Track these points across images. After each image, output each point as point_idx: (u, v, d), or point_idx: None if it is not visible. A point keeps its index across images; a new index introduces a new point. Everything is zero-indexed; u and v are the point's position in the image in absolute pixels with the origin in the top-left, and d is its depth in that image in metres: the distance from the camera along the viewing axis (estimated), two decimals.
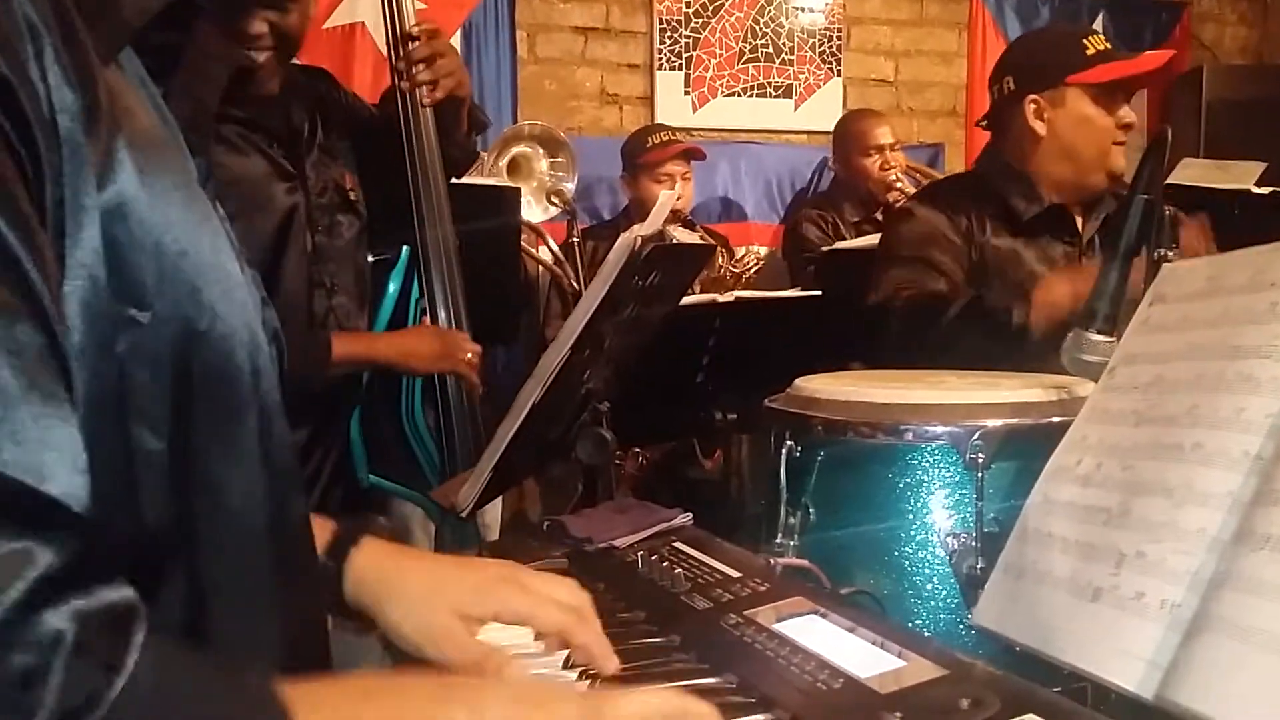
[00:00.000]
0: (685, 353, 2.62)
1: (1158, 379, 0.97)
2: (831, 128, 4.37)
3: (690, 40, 4.32)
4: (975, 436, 1.19)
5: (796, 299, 2.74)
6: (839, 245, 2.99)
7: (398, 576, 0.87)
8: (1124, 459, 0.94)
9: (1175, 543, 0.83)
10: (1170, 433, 0.90)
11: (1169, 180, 3.13)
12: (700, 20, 4.33)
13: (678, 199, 3.39)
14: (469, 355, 1.88)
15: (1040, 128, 1.90)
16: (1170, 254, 1.15)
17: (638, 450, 3.09)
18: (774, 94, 4.45)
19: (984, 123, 2.07)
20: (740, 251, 3.64)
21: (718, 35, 4.35)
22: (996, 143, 2.03)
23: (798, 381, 1.42)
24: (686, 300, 2.67)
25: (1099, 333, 1.21)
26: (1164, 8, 5.04)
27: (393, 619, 0.84)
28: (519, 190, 2.60)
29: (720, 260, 3.39)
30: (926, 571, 1.23)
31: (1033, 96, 1.91)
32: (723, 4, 4.35)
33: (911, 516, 1.24)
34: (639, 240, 1.28)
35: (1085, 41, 1.93)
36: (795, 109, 4.48)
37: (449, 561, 0.93)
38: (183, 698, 0.48)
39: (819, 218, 3.55)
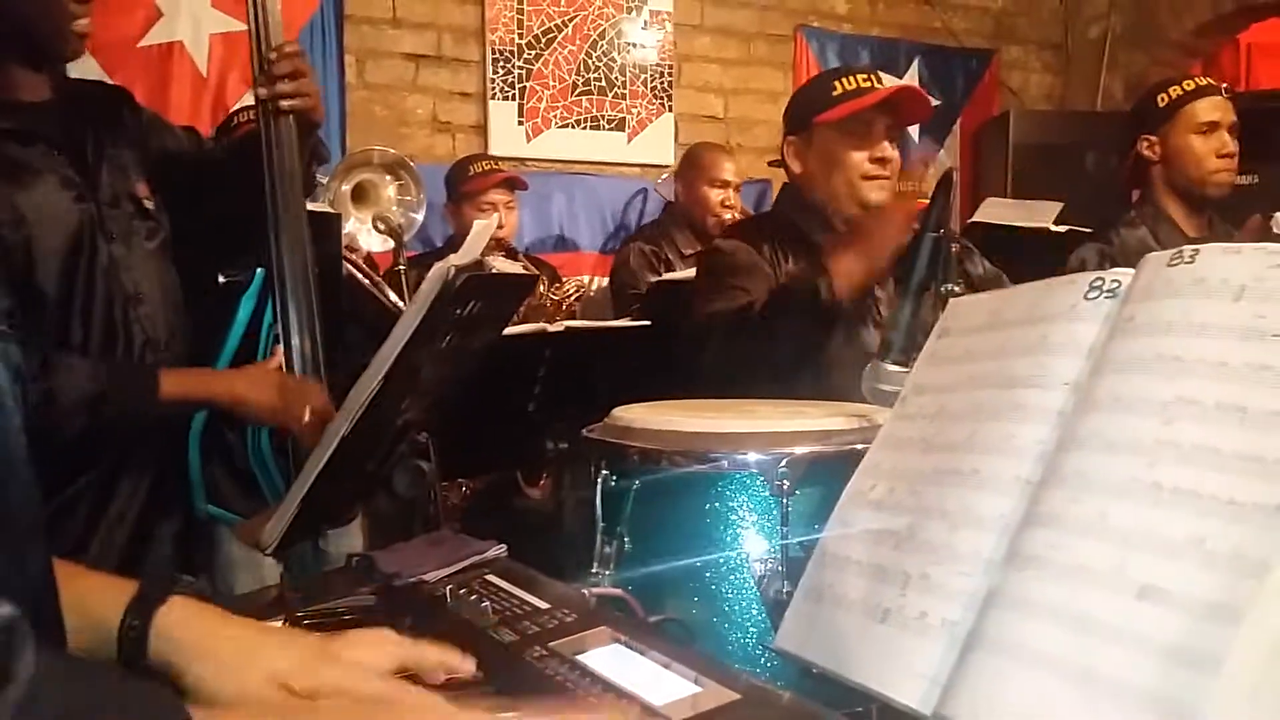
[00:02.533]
0: (516, 382, 2.61)
1: (942, 408, 1.01)
2: (664, 161, 4.47)
3: (523, 71, 4.34)
4: (781, 464, 1.23)
5: (627, 329, 2.77)
6: (666, 276, 3.04)
7: (210, 639, 0.84)
8: (912, 484, 0.98)
9: (954, 564, 0.87)
10: (952, 459, 0.95)
11: (975, 218, 3.31)
12: (533, 52, 4.35)
13: (499, 228, 3.39)
14: (307, 416, 1.75)
15: (797, 166, 1.99)
16: (957, 288, 1.21)
17: (461, 480, 3.06)
18: (607, 127, 4.50)
19: (777, 163, 2.16)
20: (569, 281, 3.65)
21: (551, 67, 4.38)
22: (789, 180, 2.12)
23: (615, 411, 1.43)
24: (515, 329, 2.67)
25: (894, 363, 1.26)
26: (974, 55, 5.33)
27: (204, 681, 0.81)
28: (338, 216, 2.55)
29: (541, 288, 3.40)
30: (736, 597, 1.26)
31: (790, 138, 2.01)
32: (555, 37, 4.38)
33: (722, 543, 1.27)
34: (452, 270, 1.27)
35: (837, 82, 1.98)
36: (628, 142, 4.55)
37: (263, 629, 0.90)
38: (86, 705, 0.45)
39: (650, 254, 3.60)
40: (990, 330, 1.02)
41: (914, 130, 5.21)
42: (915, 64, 5.18)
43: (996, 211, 3.14)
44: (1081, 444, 0.81)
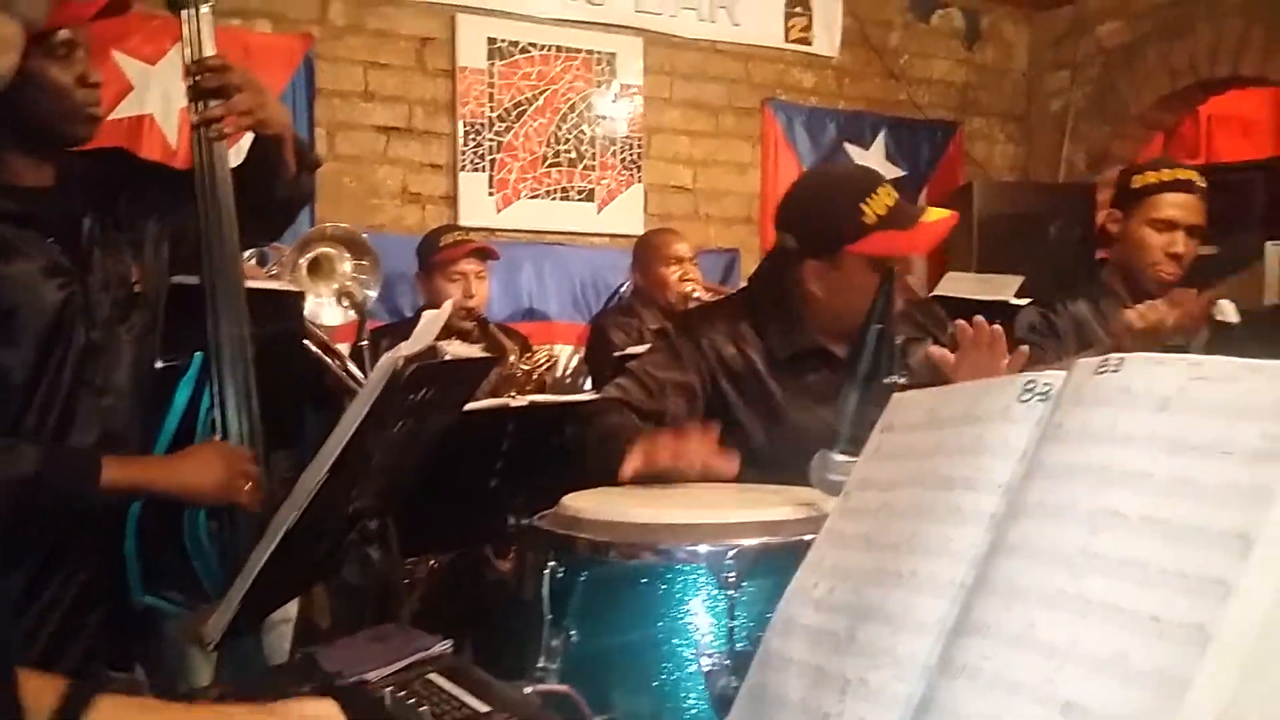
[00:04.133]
0: (478, 458, 2.59)
1: (885, 505, 1.02)
2: (633, 231, 4.50)
3: (494, 143, 4.38)
4: (728, 556, 1.22)
5: (590, 402, 2.77)
6: (629, 350, 3.04)
7: None
8: (854, 583, 0.97)
9: (893, 669, 0.86)
10: (893, 559, 0.94)
11: (936, 292, 3.34)
12: (504, 124, 4.40)
13: (469, 298, 3.40)
14: (248, 485, 1.71)
15: (818, 289, 1.89)
16: (901, 379, 1.22)
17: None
18: (577, 197, 4.54)
19: (767, 263, 2.10)
20: (540, 350, 3.65)
21: (521, 139, 4.42)
22: (772, 275, 2.04)
23: (564, 500, 1.43)
24: (479, 404, 2.67)
25: (842, 453, 1.26)
26: (939, 127, 5.42)
27: None
28: (301, 294, 2.54)
29: (513, 358, 3.40)
30: (684, 693, 1.24)
31: (813, 262, 1.90)
32: (526, 110, 4.43)
33: (669, 636, 1.25)
34: (401, 361, 1.27)
35: (864, 207, 1.84)
36: (598, 212, 4.59)
37: (190, 710, 0.89)
38: None
39: (624, 324, 3.62)
40: (929, 428, 1.02)
41: None
42: (881, 136, 5.27)
43: (957, 285, 3.17)
44: (1012, 551, 0.82)
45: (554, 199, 4.49)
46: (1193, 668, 0.65)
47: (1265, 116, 6.22)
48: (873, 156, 5.26)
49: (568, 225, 4.52)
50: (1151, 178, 2.66)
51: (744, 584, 1.23)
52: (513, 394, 2.96)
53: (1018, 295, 3.26)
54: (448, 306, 1.67)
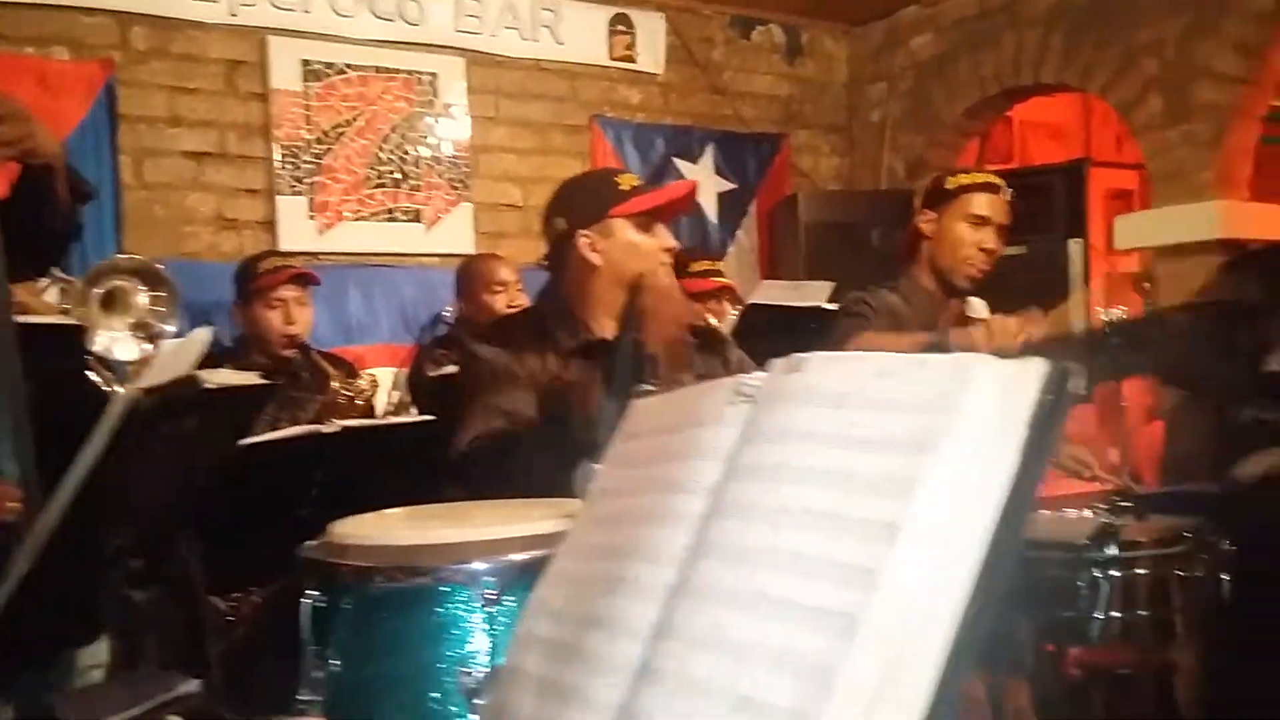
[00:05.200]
0: (289, 487, 2.52)
1: (616, 512, 1.02)
2: (464, 249, 4.47)
3: (313, 166, 4.29)
4: (486, 574, 1.22)
5: (407, 425, 2.73)
6: (445, 370, 3.01)
7: None
8: (584, 592, 0.98)
9: (607, 676, 0.87)
10: (617, 566, 0.95)
11: (750, 300, 3.41)
12: (323, 147, 4.31)
13: (291, 324, 3.31)
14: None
15: (596, 258, 2.03)
16: (651, 387, 1.23)
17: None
18: (404, 218, 4.48)
19: (545, 263, 2.18)
20: (364, 375, 3.57)
21: (341, 161, 4.35)
22: (555, 278, 2.15)
23: (330, 526, 1.40)
24: (286, 432, 2.60)
25: (599, 463, 1.27)
26: (765, 140, 5.55)
27: None
28: (82, 328, 2.44)
29: (335, 384, 3.32)
30: (451, 715, 1.23)
31: (584, 232, 2.04)
32: (345, 131, 4.36)
33: (434, 658, 1.24)
34: (139, 392, 1.23)
35: (618, 179, 2.12)
36: (427, 232, 4.53)
37: None
38: None
39: (440, 357, 3.57)
40: (657, 434, 1.04)
41: (712, 214, 5.38)
42: (709, 150, 5.35)
43: (770, 293, 3.25)
44: (709, 552, 0.83)
45: (379, 220, 4.42)
46: (841, 656, 0.67)
47: (1074, 121, 6.56)
48: (702, 170, 5.34)
49: (395, 246, 4.46)
50: (964, 179, 2.84)
51: (507, 599, 1.22)
52: (330, 420, 2.90)
53: (830, 300, 3.35)
54: (202, 334, 1.62)
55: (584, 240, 2.03)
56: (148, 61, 4.05)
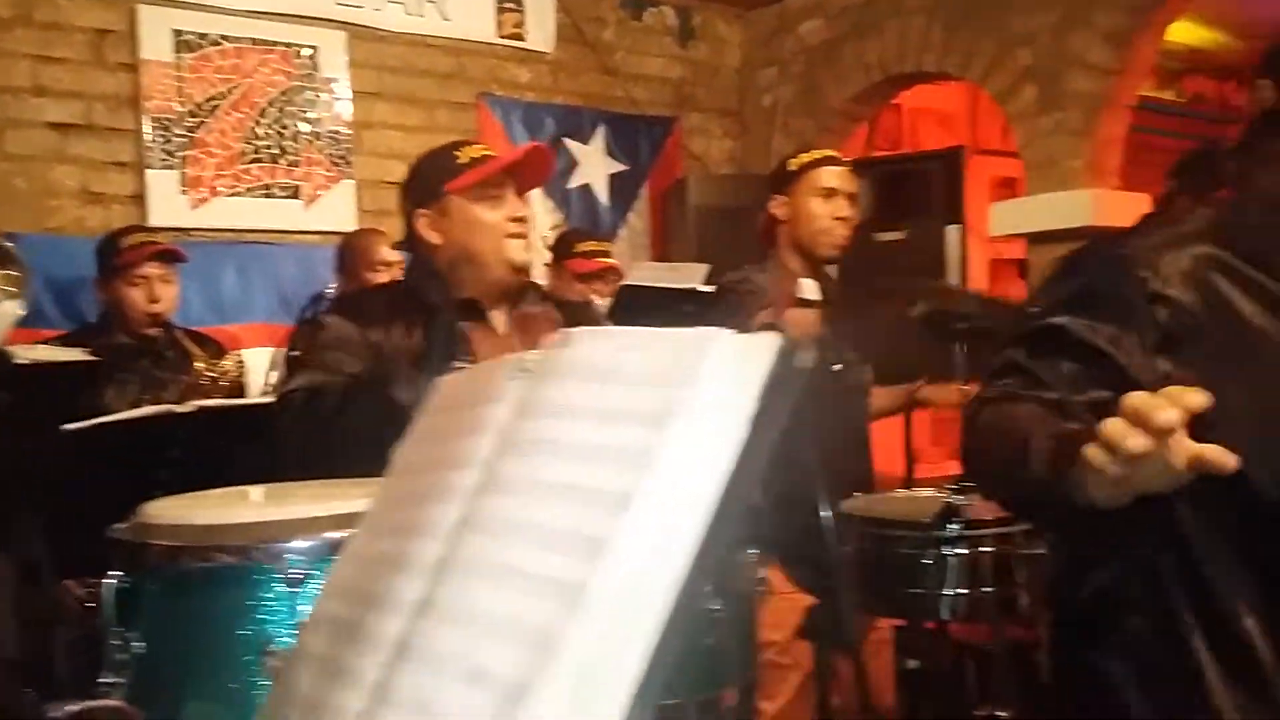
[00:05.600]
0: (142, 468, 2.46)
1: (407, 490, 1.01)
2: (345, 227, 4.38)
3: (185, 140, 4.17)
4: (291, 554, 1.20)
5: (267, 405, 2.67)
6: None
7: None
8: (368, 570, 0.97)
9: (374, 654, 0.86)
10: (398, 543, 0.94)
11: (625, 282, 3.41)
12: (196, 120, 4.19)
13: (155, 303, 3.23)
14: None
15: (436, 237, 2.00)
16: (469, 362, 1.22)
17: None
18: (281, 194, 4.38)
19: (403, 245, 2.16)
20: (230, 356, 3.49)
21: (215, 135, 4.23)
22: (414, 258, 2.12)
23: (142, 507, 1.37)
24: (137, 412, 2.53)
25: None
26: (657, 122, 5.55)
27: None
28: None
29: (200, 365, 3.25)
30: (258, 697, 1.21)
31: (422, 211, 2.01)
32: (220, 104, 4.24)
33: (240, 639, 1.22)
34: None
35: (457, 152, 2.06)
36: (306, 209, 4.44)
37: None
38: None
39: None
40: (452, 410, 1.03)
41: (603, 195, 5.37)
42: (600, 131, 5.34)
43: (644, 274, 3.24)
44: (472, 526, 0.83)
45: (255, 196, 4.32)
46: (565, 626, 0.68)
47: (961, 109, 6.69)
48: (593, 151, 5.33)
49: (272, 223, 4.35)
50: (805, 158, 2.95)
51: (314, 580, 1.21)
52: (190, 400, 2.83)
53: (707, 282, 3.36)
54: (8, 308, 1.57)
55: (423, 220, 2.00)
56: (11, 29, 3.89)
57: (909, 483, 3.29)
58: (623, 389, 0.76)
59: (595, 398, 0.78)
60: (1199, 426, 1.02)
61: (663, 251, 5.46)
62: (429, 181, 2.03)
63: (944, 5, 4.82)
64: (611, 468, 0.73)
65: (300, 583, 1.19)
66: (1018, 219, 4.54)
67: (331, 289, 3.91)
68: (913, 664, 2.96)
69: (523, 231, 2.01)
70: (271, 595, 1.21)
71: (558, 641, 0.67)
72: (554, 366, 0.85)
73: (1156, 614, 1.37)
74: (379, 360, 1.88)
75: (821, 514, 1.64)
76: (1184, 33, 5.92)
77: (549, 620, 0.69)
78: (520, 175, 2.08)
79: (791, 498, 1.75)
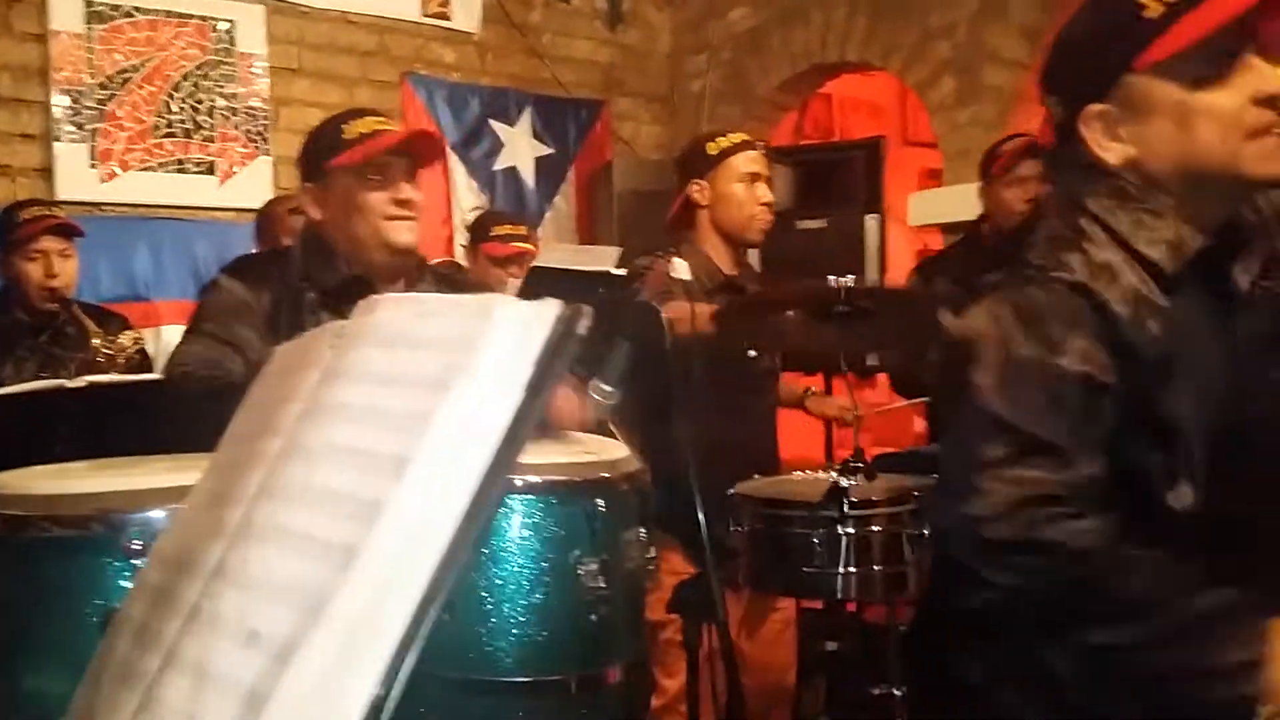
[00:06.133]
0: (30, 444, 2.42)
1: (230, 457, 1.01)
2: (261, 205, 4.32)
3: (96, 112, 4.09)
4: (132, 525, 1.19)
5: (157, 381, 2.64)
6: None
7: None
8: (188, 538, 0.96)
9: (175, 620, 0.86)
10: (214, 510, 0.94)
11: (535, 263, 3.41)
12: (107, 92, 4.11)
13: (53, 278, 3.17)
14: None
15: (317, 213, 1.97)
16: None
17: None
18: (195, 170, 4.32)
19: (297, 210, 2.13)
20: (128, 334, 3.43)
21: (127, 108, 4.15)
22: (305, 226, 2.09)
23: None
24: (26, 386, 2.50)
25: None
26: (585, 106, 5.54)
27: None
28: None
29: (98, 341, 3.20)
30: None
31: (307, 185, 1.98)
32: (132, 77, 4.16)
33: (78, 609, 1.21)
34: None
35: (345, 126, 2.00)
36: (220, 185, 4.38)
37: None
38: None
39: None
40: (277, 377, 1.03)
41: (529, 178, 5.35)
42: (527, 113, 5.32)
43: (555, 256, 3.24)
44: (268, 492, 0.83)
45: (169, 171, 4.25)
46: (336, 587, 0.68)
47: (891, 100, 6.76)
48: (519, 133, 5.31)
49: (186, 199, 4.29)
50: (724, 142, 2.90)
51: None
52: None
53: (619, 265, 3.37)
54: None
55: (307, 194, 1.97)
56: None
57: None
58: (412, 354, 0.77)
59: (387, 363, 0.79)
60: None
61: (589, 235, 5.46)
62: (313, 155, 1.99)
63: None
64: (392, 432, 0.73)
65: (140, 554, 1.18)
66: (934, 209, 4.60)
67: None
68: (831, 646, 3.00)
69: (405, 214, 1.95)
70: (112, 566, 1.20)
71: (327, 603, 0.68)
72: (357, 332, 0.85)
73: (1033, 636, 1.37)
74: (269, 325, 1.86)
75: (694, 491, 1.66)
76: None
77: (321, 582, 0.69)
78: (411, 156, 2.03)
79: (673, 478, 1.77)
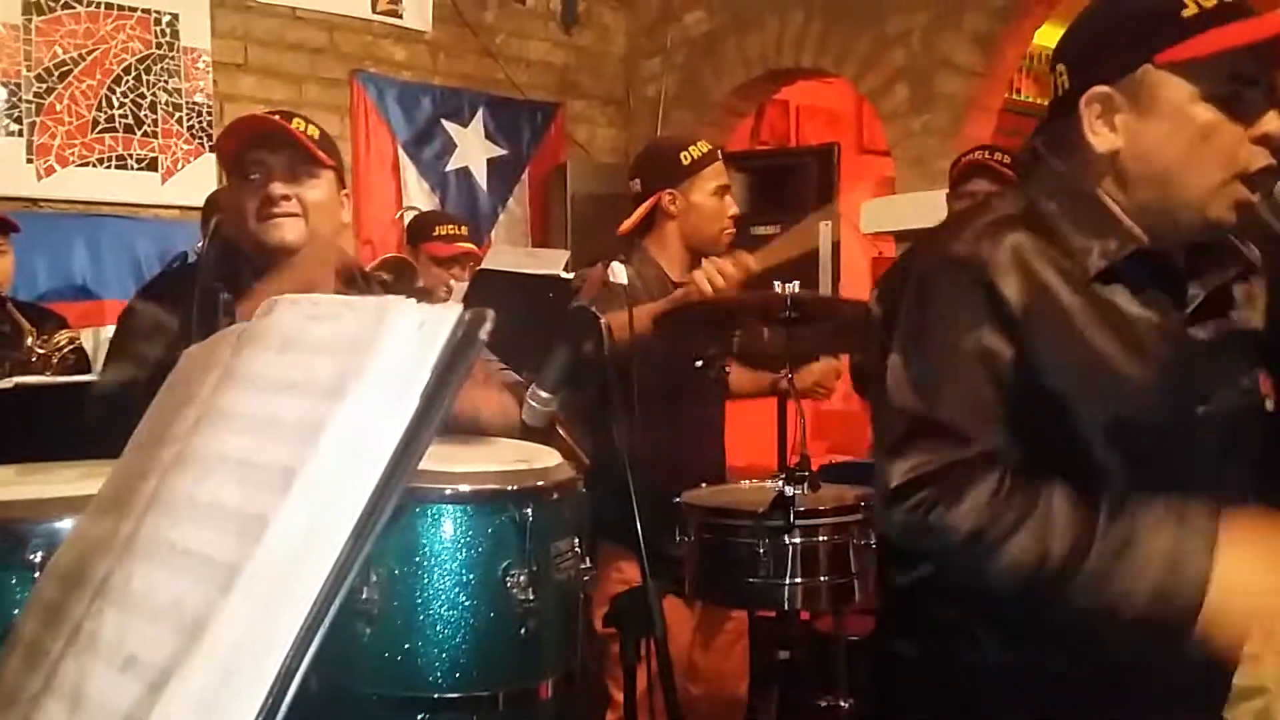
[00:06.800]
0: None
1: (127, 469, 0.96)
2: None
3: (33, 106, 3.98)
4: (36, 536, 1.13)
5: (86, 383, 2.57)
6: None
7: None
8: (83, 552, 0.91)
9: (60, 640, 0.81)
10: (108, 522, 0.89)
11: (482, 265, 3.36)
12: (45, 85, 4.00)
13: None
14: None
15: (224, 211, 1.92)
16: None
17: None
18: (137, 166, 4.22)
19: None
20: (63, 333, 3.34)
21: (66, 102, 4.05)
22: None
23: None
24: None
25: None
26: (540, 108, 5.49)
27: None
28: None
29: (31, 340, 3.11)
30: None
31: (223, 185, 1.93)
32: (72, 70, 4.06)
33: None
34: None
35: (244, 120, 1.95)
36: (163, 183, 4.28)
37: None
38: None
39: None
40: (180, 384, 0.98)
41: (481, 179, 5.29)
42: (480, 114, 5.26)
43: (502, 258, 3.19)
44: (155, 505, 0.78)
45: (109, 167, 4.15)
46: (216, 608, 0.64)
47: (849, 107, 6.76)
48: (472, 134, 5.25)
49: (128, 196, 4.19)
50: (695, 152, 2.82)
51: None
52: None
53: (567, 269, 3.32)
54: None
55: (222, 192, 1.91)
56: None
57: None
58: (306, 359, 0.73)
59: (280, 368, 0.74)
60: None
61: (542, 239, 5.41)
62: (218, 151, 1.92)
63: (822, 2, 4.85)
64: (283, 442, 0.69)
65: (41, 566, 1.12)
66: (887, 217, 4.60)
67: (195, 252, 3.77)
68: (784, 655, 2.97)
69: (277, 212, 1.82)
70: (13, 578, 1.14)
71: (207, 625, 0.63)
72: (253, 335, 0.81)
73: (962, 606, 1.40)
74: (186, 339, 1.79)
75: (633, 500, 1.62)
76: (1054, 37, 6.06)
77: (201, 603, 0.65)
78: (294, 151, 1.86)
79: (617, 487, 1.73)
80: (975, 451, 1.26)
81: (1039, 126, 1.44)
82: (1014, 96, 5.35)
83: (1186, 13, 1.25)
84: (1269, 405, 1.49)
